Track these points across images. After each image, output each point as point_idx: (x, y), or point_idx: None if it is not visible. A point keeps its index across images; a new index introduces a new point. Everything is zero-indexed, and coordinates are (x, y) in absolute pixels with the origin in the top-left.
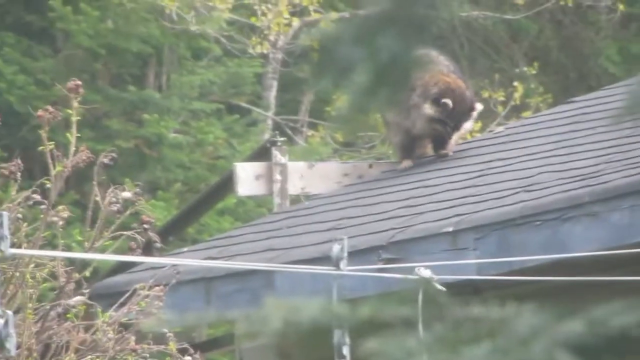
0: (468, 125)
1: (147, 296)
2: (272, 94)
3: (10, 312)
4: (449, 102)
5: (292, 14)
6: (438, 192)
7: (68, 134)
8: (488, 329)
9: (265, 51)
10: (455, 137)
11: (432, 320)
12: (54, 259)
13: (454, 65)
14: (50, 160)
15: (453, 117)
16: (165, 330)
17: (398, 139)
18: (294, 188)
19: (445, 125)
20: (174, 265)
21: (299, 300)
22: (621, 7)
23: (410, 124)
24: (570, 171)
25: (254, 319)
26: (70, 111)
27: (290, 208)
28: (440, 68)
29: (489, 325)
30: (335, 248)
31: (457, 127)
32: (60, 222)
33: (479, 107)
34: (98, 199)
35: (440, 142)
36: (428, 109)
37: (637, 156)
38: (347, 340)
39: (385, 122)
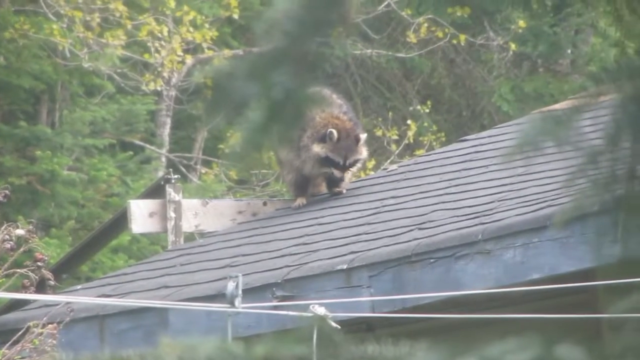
0: (358, 166)
1: (40, 334)
2: (165, 132)
3: None
4: (333, 131)
5: (186, 51)
6: (332, 230)
7: None
8: None
9: (158, 88)
10: (349, 175)
11: (327, 358)
12: None
13: (347, 105)
14: None
15: (339, 151)
16: None
17: (291, 177)
18: (188, 225)
19: (334, 164)
20: (68, 302)
21: (194, 338)
22: (513, 46)
23: (301, 164)
24: (463, 209)
25: (149, 358)
26: None
27: (184, 245)
28: (333, 109)
29: None
30: (230, 285)
31: (348, 165)
32: None
33: (363, 136)
34: None
35: (333, 180)
36: (315, 148)
37: (529, 194)
38: None
39: (279, 160)
